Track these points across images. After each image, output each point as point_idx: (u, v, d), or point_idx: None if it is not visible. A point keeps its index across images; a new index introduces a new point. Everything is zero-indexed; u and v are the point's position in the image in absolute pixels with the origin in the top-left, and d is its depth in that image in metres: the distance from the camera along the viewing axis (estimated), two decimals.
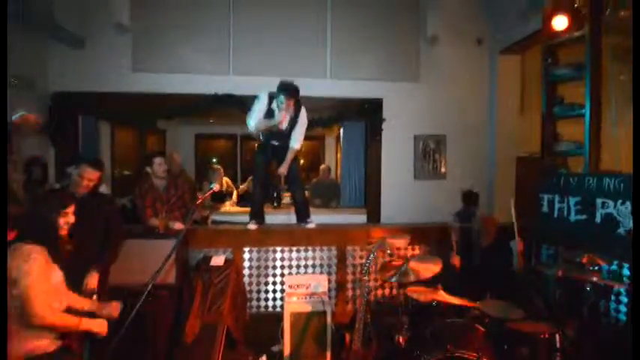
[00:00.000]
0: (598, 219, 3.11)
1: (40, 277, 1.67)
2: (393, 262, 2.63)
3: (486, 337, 2.46)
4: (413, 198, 4.60)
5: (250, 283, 3.39)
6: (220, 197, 4.71)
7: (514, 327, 2.34)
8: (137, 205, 3.43)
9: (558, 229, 3.40)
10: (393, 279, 2.60)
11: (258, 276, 3.40)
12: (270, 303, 3.42)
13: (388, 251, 2.95)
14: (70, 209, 1.90)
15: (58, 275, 1.81)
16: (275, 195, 4.78)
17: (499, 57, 4.59)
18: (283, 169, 3.44)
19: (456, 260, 2.97)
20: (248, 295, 3.36)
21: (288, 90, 3.24)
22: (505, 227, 3.20)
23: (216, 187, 2.20)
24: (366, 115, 4.59)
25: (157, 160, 3.36)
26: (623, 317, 2.85)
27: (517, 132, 4.71)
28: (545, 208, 3.52)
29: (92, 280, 2.52)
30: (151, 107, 4.40)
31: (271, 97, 3.34)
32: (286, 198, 5.11)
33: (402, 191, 4.61)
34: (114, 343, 1.84)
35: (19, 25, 3.52)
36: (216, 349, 2.74)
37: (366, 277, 2.59)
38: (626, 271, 2.92)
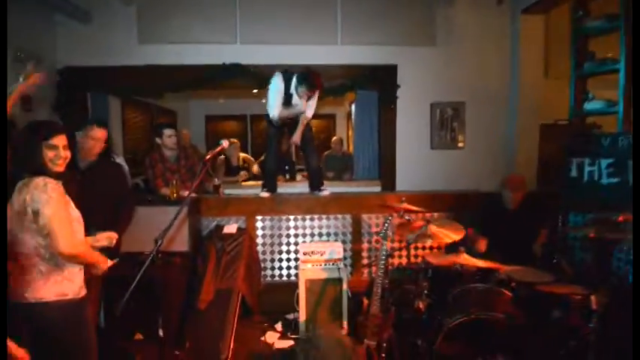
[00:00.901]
0: (632, 181, 2.90)
1: (60, 207, 1.59)
2: (413, 224, 2.50)
3: (514, 301, 2.34)
4: (430, 168, 4.41)
5: (264, 252, 3.32)
6: (236, 171, 4.63)
7: (545, 290, 2.19)
8: (148, 177, 3.38)
9: (589, 194, 3.20)
10: (411, 239, 2.49)
11: (272, 245, 3.32)
12: (285, 272, 3.35)
13: (407, 217, 2.82)
14: (58, 140, 1.63)
15: (74, 210, 1.74)
16: (287, 168, 4.67)
17: (521, 17, 4.29)
18: (296, 138, 3.33)
19: (482, 245, 2.82)
20: (262, 265, 3.29)
21: (311, 83, 3.12)
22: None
23: (225, 143, 2.09)
24: (380, 82, 4.39)
25: (167, 132, 3.31)
26: None
27: (541, 98, 4.44)
28: (573, 173, 3.31)
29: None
30: (158, 79, 4.29)
31: (284, 78, 3.22)
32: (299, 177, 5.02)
33: (418, 162, 4.43)
34: (124, 301, 1.79)
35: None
36: (230, 316, 2.69)
37: (384, 241, 2.48)
38: None
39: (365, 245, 3.39)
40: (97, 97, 4.35)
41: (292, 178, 4.77)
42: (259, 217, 3.31)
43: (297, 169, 5.17)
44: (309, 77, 3.11)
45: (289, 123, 3.37)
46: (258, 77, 4.14)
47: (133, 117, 5.50)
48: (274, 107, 3.23)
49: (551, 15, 4.29)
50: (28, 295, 1.58)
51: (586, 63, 3.17)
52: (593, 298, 2.03)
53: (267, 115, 3.40)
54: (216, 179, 3.51)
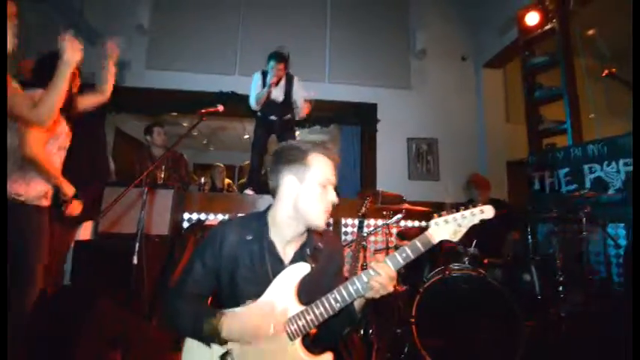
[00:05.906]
0: (587, 185, 3.18)
1: None
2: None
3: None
4: (407, 197, 4.64)
5: None
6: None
7: None
8: (135, 172, 3.49)
9: (552, 203, 3.44)
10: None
11: None
12: None
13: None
14: None
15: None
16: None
17: (483, 70, 5.02)
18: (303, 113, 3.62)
19: None
20: None
21: (276, 55, 3.53)
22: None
23: (220, 107, 2.30)
24: (361, 117, 4.86)
25: (157, 130, 3.54)
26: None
27: (505, 139, 4.95)
28: (536, 186, 3.60)
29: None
30: (159, 102, 4.65)
31: (264, 73, 3.59)
32: None
33: (396, 190, 4.66)
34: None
35: (48, 15, 3.92)
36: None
37: (361, 219, 2.59)
38: (621, 231, 2.94)
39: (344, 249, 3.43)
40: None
41: None
42: (242, 215, 3.36)
43: None
44: (276, 52, 3.55)
45: (276, 126, 3.61)
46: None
47: (123, 150, 5.67)
48: (253, 94, 3.54)
49: (508, 69, 5.02)
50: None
51: (536, 91, 3.69)
52: None
53: (256, 114, 3.67)
54: (202, 178, 3.62)
